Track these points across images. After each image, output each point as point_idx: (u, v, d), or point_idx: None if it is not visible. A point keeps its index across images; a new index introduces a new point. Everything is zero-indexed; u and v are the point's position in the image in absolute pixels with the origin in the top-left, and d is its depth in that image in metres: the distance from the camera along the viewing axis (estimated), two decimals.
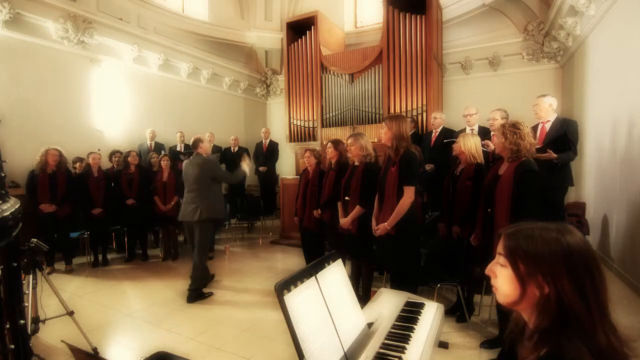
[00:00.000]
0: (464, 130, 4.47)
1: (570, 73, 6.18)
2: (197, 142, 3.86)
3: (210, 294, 3.86)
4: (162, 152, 6.35)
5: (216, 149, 7.19)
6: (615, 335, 0.78)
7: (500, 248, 0.90)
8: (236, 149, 7.54)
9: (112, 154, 5.49)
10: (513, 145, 2.46)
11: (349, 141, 3.40)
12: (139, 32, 6.58)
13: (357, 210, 3.28)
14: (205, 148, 3.89)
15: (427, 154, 4.79)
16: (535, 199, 2.40)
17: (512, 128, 2.49)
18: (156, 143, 6.56)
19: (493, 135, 3.92)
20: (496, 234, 0.95)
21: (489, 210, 2.59)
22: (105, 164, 5.67)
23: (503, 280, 0.88)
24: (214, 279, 4.23)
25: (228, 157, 7.50)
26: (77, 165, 5.14)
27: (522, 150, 2.45)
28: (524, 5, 6.62)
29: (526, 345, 0.83)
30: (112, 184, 5.25)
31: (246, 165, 4.14)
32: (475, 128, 4.48)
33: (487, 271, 0.93)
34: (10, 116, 4.95)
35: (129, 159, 5.23)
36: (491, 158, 3.49)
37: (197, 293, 3.76)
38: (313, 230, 4.03)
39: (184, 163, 3.96)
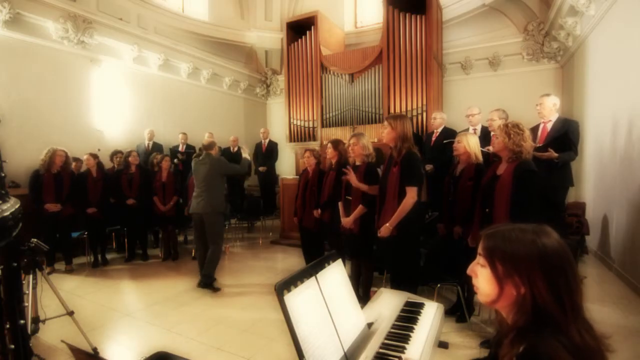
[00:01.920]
0: (466, 130, 4.47)
1: (570, 73, 6.18)
2: (212, 144, 4.27)
3: (219, 289, 4.00)
4: (171, 152, 6.39)
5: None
6: (589, 333, 0.80)
7: (480, 248, 0.93)
8: (235, 149, 7.54)
9: (114, 154, 5.49)
10: (515, 146, 2.47)
11: (352, 141, 3.41)
12: (139, 32, 6.59)
13: (359, 209, 3.28)
14: (216, 150, 4.32)
15: (427, 154, 4.79)
16: (535, 199, 2.41)
17: (515, 129, 2.50)
18: (154, 143, 6.54)
19: (493, 135, 3.92)
20: None
21: (487, 210, 2.59)
22: (106, 164, 5.68)
23: (483, 279, 0.91)
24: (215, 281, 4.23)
25: (227, 157, 7.47)
26: (73, 165, 5.12)
27: (524, 153, 2.47)
28: (524, 5, 6.62)
29: (504, 343, 0.85)
30: (112, 184, 5.23)
31: (246, 154, 4.46)
32: (478, 128, 4.47)
33: (469, 271, 0.96)
34: (10, 116, 4.95)
35: (130, 159, 5.23)
36: (492, 159, 3.48)
37: (209, 280, 4.00)
38: (313, 230, 4.03)
39: (194, 162, 4.25)
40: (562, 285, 0.81)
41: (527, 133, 2.50)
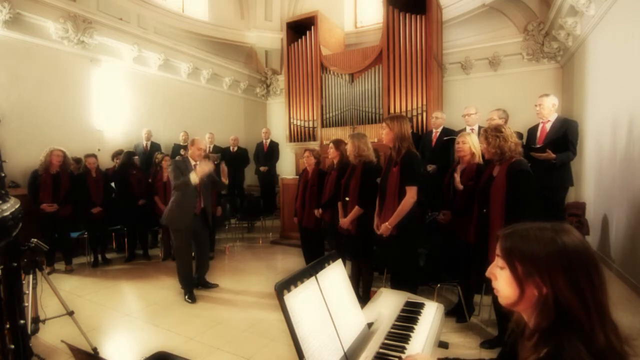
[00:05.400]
0: (463, 130, 4.46)
1: (570, 73, 6.18)
2: (192, 142, 3.88)
3: (216, 285, 4.08)
4: (172, 150, 6.40)
5: (216, 149, 7.19)
6: (615, 334, 0.77)
7: (498, 250, 0.90)
8: (235, 148, 7.55)
9: (115, 154, 5.50)
10: (497, 149, 2.49)
11: (347, 141, 3.43)
12: (139, 32, 6.58)
13: (355, 210, 3.28)
14: (192, 152, 3.82)
15: (429, 154, 4.76)
16: (531, 199, 2.41)
17: (493, 132, 2.52)
18: (152, 143, 6.53)
19: None
20: (491, 235, 0.96)
21: (484, 210, 2.59)
22: (108, 164, 5.69)
23: (502, 282, 0.88)
24: (216, 287, 4.21)
25: (227, 157, 7.50)
26: (73, 166, 5.11)
27: (507, 152, 2.48)
28: (524, 5, 6.62)
29: (526, 346, 0.83)
30: (113, 184, 5.24)
31: (201, 169, 3.62)
32: (475, 128, 4.46)
33: (488, 274, 0.93)
34: (10, 116, 4.95)
35: (135, 158, 5.24)
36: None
37: (185, 290, 3.82)
38: (313, 230, 4.03)
39: None
40: (585, 284, 0.78)
41: (508, 132, 2.51)
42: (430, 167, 4.61)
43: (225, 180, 4.09)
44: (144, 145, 6.46)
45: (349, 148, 3.36)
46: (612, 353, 0.75)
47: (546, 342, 0.78)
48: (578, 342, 0.74)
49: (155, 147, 6.48)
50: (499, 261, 0.89)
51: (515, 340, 0.92)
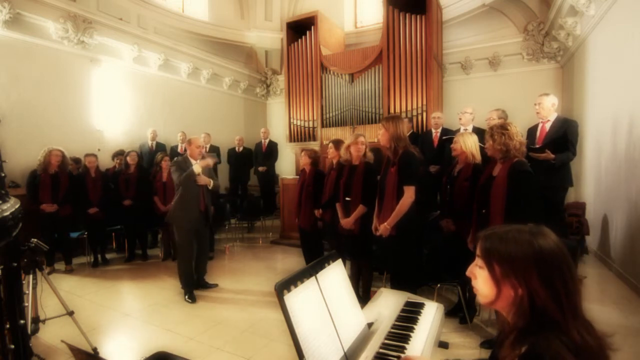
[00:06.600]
0: (457, 130, 4.46)
1: (570, 73, 6.18)
2: (189, 141, 3.95)
3: (215, 285, 4.09)
4: (171, 153, 6.41)
5: (213, 148, 7.19)
6: (589, 332, 0.80)
7: (478, 250, 0.93)
8: (241, 149, 7.57)
9: (116, 154, 5.50)
10: (502, 146, 2.47)
11: (350, 140, 3.43)
12: (139, 32, 6.58)
13: (360, 209, 3.27)
14: (190, 151, 3.89)
15: (430, 155, 4.75)
16: (531, 200, 2.40)
17: (499, 129, 2.50)
18: (157, 143, 6.57)
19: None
20: None
21: (483, 211, 2.59)
22: (108, 164, 5.68)
23: (481, 281, 0.92)
24: (215, 287, 4.21)
25: (232, 157, 7.53)
26: (72, 166, 5.11)
27: (512, 150, 2.46)
28: (524, 5, 6.62)
29: (505, 344, 0.85)
30: (111, 185, 5.23)
31: (201, 164, 3.76)
32: (470, 128, 4.45)
33: (468, 273, 0.97)
34: (10, 116, 4.94)
35: (128, 158, 5.21)
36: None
37: (186, 290, 3.83)
38: (308, 231, 4.03)
39: None
40: (560, 285, 0.81)
41: (514, 130, 2.49)
42: (434, 168, 4.60)
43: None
44: (150, 145, 6.49)
45: (354, 149, 3.33)
46: (589, 350, 0.78)
47: (523, 340, 0.80)
48: (556, 340, 0.76)
49: (160, 146, 6.51)
50: (478, 261, 0.93)
51: (502, 341, 0.94)
